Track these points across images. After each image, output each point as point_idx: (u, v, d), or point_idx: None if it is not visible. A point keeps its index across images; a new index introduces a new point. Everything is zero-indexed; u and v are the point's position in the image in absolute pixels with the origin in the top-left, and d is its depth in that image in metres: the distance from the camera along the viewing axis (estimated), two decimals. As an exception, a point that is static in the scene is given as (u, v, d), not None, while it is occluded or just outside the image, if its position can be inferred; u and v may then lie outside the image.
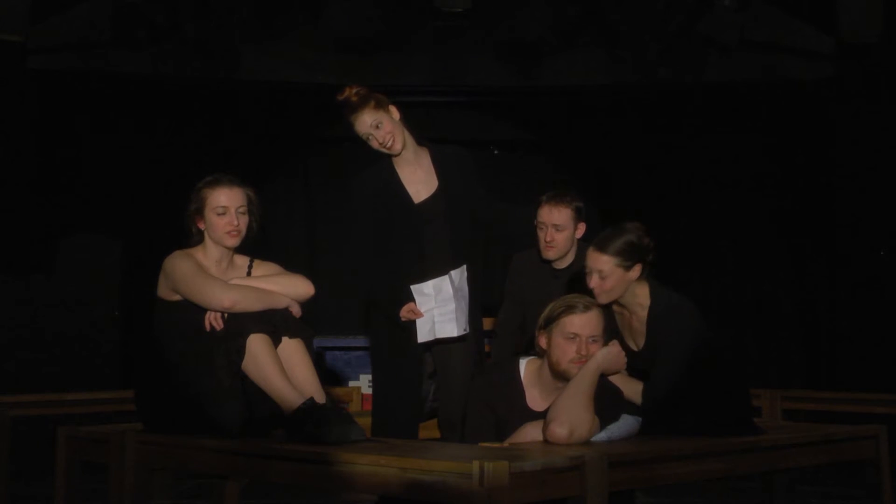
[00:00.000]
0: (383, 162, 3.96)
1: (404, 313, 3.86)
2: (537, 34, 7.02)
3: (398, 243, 3.91)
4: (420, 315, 3.86)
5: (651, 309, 3.58)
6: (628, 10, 6.98)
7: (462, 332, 3.92)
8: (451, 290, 3.88)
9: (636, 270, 3.57)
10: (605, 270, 3.53)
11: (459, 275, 3.93)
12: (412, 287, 3.87)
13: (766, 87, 7.49)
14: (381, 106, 3.85)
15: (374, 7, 6.91)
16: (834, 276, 7.21)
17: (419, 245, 3.91)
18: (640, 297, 3.61)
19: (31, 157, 6.87)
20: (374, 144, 3.87)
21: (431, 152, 4.00)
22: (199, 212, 3.60)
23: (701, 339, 3.58)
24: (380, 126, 3.83)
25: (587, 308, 3.42)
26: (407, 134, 3.93)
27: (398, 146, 3.88)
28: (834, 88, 7.15)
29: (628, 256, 3.54)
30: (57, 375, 6.40)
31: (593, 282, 3.56)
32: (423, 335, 3.88)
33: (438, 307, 3.88)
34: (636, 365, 3.59)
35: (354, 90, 3.86)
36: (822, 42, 7.13)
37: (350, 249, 4.06)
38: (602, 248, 3.54)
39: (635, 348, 3.63)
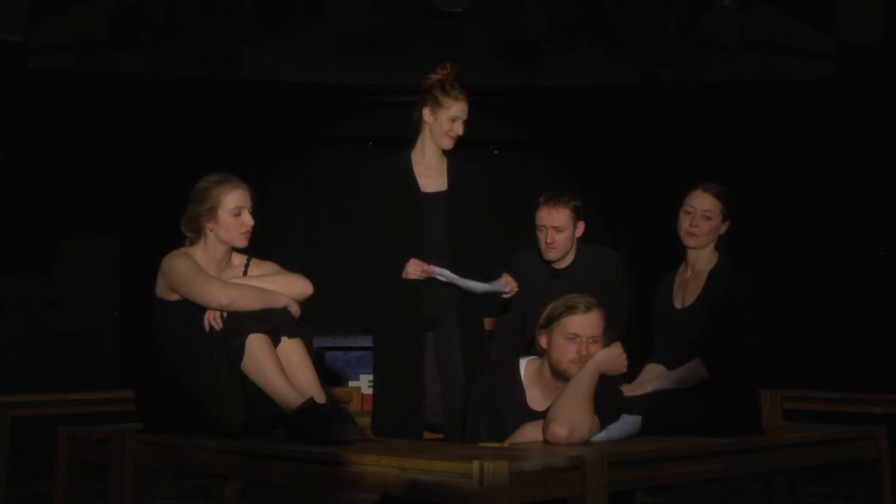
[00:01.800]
0: (401, 155, 4.07)
1: (412, 267, 3.84)
2: (537, 34, 7.01)
3: (401, 228, 3.95)
4: (431, 272, 3.84)
5: (713, 268, 3.79)
6: (628, 10, 6.98)
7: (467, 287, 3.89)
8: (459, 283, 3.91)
9: (726, 226, 3.81)
10: (712, 211, 3.77)
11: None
12: (432, 264, 3.88)
13: (766, 87, 7.48)
14: None
15: (374, 7, 6.91)
16: (834, 276, 7.20)
17: (420, 231, 3.93)
18: (709, 259, 3.82)
19: (31, 157, 6.86)
20: (447, 127, 4.01)
21: (449, 160, 4.08)
22: (212, 211, 3.58)
23: (750, 313, 3.75)
24: (463, 120, 4.05)
25: (588, 308, 3.42)
26: None
27: (451, 144, 4.04)
28: (834, 88, 7.14)
29: (728, 207, 3.80)
30: (57, 375, 6.39)
31: (693, 222, 3.77)
32: (439, 271, 3.85)
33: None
34: (671, 324, 3.79)
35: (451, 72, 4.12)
36: (822, 42, 7.13)
37: (355, 231, 4.04)
38: (709, 191, 3.80)
39: (679, 306, 3.80)
